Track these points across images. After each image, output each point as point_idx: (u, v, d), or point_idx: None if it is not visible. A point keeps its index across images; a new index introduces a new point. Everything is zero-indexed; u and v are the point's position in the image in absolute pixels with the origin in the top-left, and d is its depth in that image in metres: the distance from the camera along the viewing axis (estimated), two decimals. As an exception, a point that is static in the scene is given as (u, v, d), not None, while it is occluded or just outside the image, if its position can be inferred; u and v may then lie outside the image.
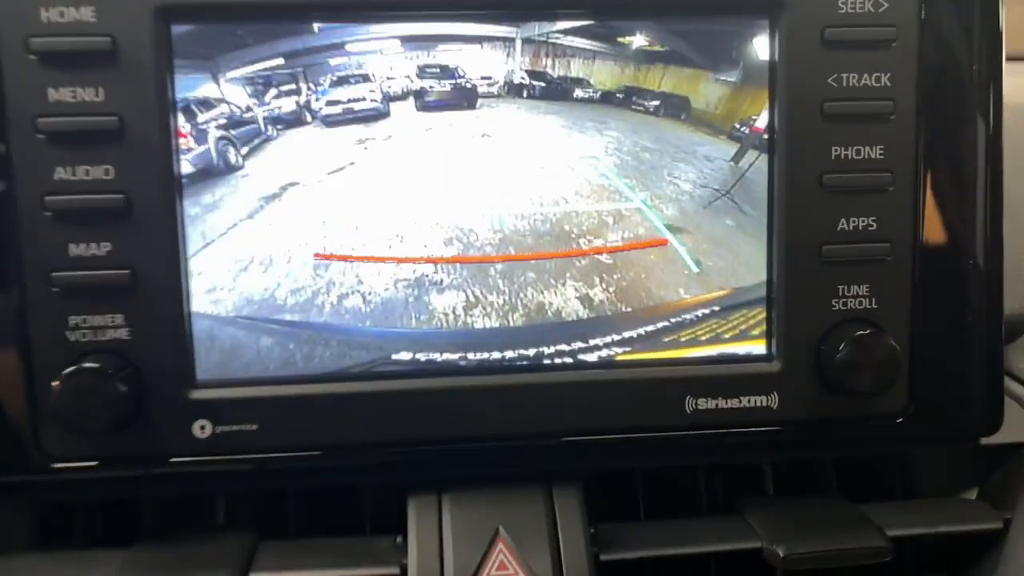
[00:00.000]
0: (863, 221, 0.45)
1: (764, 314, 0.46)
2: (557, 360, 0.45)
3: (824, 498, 0.50)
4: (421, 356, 0.45)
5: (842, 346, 0.44)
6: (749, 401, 0.45)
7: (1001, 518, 0.48)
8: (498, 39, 0.44)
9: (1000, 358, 0.47)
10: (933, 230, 0.45)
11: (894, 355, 0.44)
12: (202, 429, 0.43)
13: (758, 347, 0.46)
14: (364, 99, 0.44)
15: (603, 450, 0.46)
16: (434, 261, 0.44)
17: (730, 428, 0.45)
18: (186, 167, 0.42)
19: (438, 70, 0.44)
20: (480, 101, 0.44)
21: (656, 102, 0.45)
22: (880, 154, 0.44)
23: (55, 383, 0.41)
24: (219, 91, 0.42)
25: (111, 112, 0.41)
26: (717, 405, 0.45)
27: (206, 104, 0.42)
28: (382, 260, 0.44)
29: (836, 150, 0.44)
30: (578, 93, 0.45)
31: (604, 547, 0.44)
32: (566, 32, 0.44)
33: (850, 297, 0.45)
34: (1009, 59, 0.48)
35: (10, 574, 0.44)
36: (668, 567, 0.47)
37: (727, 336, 0.46)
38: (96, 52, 0.41)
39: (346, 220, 0.43)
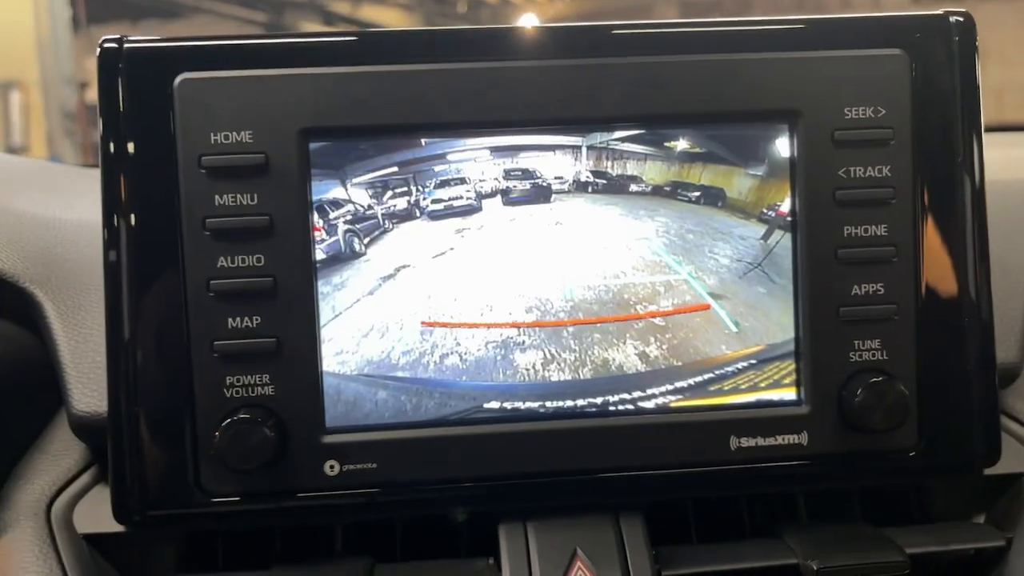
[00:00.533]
0: (873, 287, 0.53)
1: (793, 366, 0.53)
2: (620, 407, 0.53)
3: (851, 523, 0.57)
4: (508, 405, 0.53)
5: (859, 391, 0.51)
6: (783, 439, 0.53)
7: (1004, 537, 0.55)
8: (568, 147, 0.53)
9: (995, 399, 0.54)
10: (932, 292, 0.53)
11: (903, 399, 0.51)
12: (331, 468, 0.51)
13: (789, 394, 0.54)
14: (461, 197, 0.53)
15: (661, 483, 0.53)
16: (517, 326, 0.53)
17: (768, 462, 0.53)
18: (320, 255, 0.51)
19: (520, 172, 0.53)
20: (554, 196, 0.53)
21: (697, 193, 0.54)
22: (884, 231, 0.53)
23: (216, 432, 0.49)
24: (346, 193, 0.52)
25: (263, 212, 0.50)
26: (756, 443, 0.53)
27: (336, 204, 0.52)
28: (476, 326, 0.53)
29: (847, 229, 0.52)
30: (633, 188, 0.54)
31: (665, 565, 0.52)
32: (622, 140, 0.53)
33: (864, 350, 0.53)
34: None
35: None
36: None
37: (763, 385, 0.54)
38: (252, 166, 0.50)
39: (447, 294, 0.52)
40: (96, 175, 0.78)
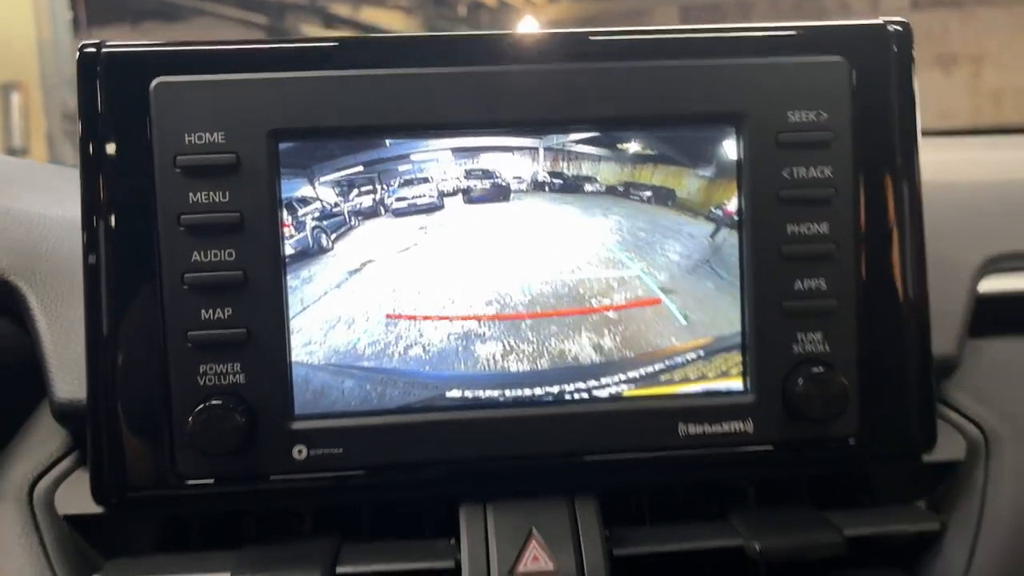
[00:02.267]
0: (815, 282, 0.55)
1: (740, 357, 0.56)
2: (576, 396, 0.56)
3: (797, 507, 0.60)
4: (469, 393, 0.55)
5: (801, 382, 0.54)
6: (730, 427, 0.55)
7: (939, 521, 0.57)
8: (526, 148, 0.55)
9: (932, 389, 0.57)
10: (872, 288, 0.56)
11: (843, 389, 0.54)
12: (299, 453, 0.54)
13: (736, 383, 0.56)
14: (424, 196, 0.55)
15: (614, 468, 0.56)
16: (478, 318, 0.55)
17: (715, 448, 0.55)
18: (289, 250, 0.54)
19: (480, 172, 0.55)
20: (512, 195, 0.55)
21: (649, 193, 0.56)
22: (826, 229, 0.55)
23: (190, 418, 0.52)
24: (314, 191, 0.54)
25: (234, 209, 0.53)
26: (704, 430, 0.55)
27: (304, 201, 0.54)
28: (438, 318, 0.55)
29: (791, 227, 0.55)
30: (588, 187, 0.56)
31: (616, 545, 0.54)
32: (578, 142, 0.55)
33: (807, 343, 0.55)
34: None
35: (144, 570, 0.55)
36: (671, 566, 0.57)
37: (711, 375, 0.56)
38: (224, 165, 0.52)
39: (411, 288, 0.55)
40: (78, 173, 0.81)
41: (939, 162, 0.79)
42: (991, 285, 0.66)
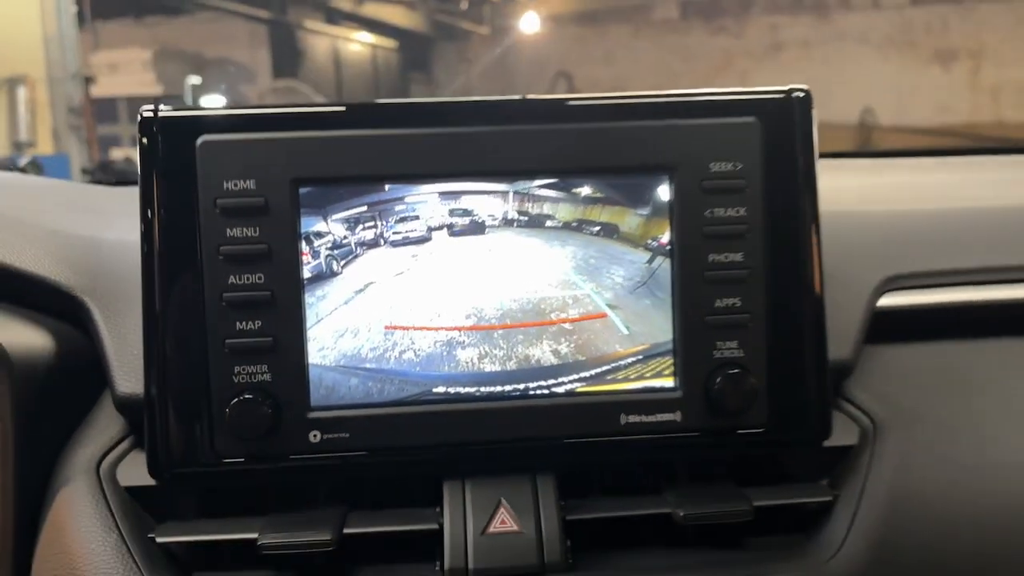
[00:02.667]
0: (732, 300, 0.67)
1: (671, 361, 0.68)
2: (538, 392, 0.66)
3: (719, 483, 0.73)
4: (451, 390, 0.66)
5: (720, 381, 0.66)
6: (662, 417, 0.67)
7: (832, 494, 0.70)
8: (498, 192, 0.67)
9: (827, 387, 0.69)
10: (778, 304, 0.68)
11: (754, 387, 0.66)
12: (314, 437, 0.66)
13: (668, 382, 0.68)
14: (416, 230, 0.67)
15: (568, 450, 0.68)
16: (459, 329, 0.67)
17: (650, 435, 0.68)
18: (307, 274, 0.66)
19: (461, 211, 0.67)
20: (487, 230, 0.67)
21: (598, 228, 0.68)
22: (740, 257, 0.67)
23: (226, 409, 0.65)
24: (327, 227, 0.66)
25: (263, 242, 0.65)
26: (642, 420, 0.67)
27: (319, 235, 0.67)
28: (427, 329, 0.67)
29: (712, 256, 0.67)
30: (548, 223, 0.68)
31: (569, 512, 0.66)
32: (540, 187, 0.67)
33: (725, 349, 0.67)
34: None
35: (188, 531, 0.67)
36: (615, 531, 0.70)
37: (648, 375, 0.68)
38: (255, 207, 0.64)
39: (405, 304, 0.66)
40: (122, 193, 0.95)
41: (847, 188, 0.92)
42: (890, 300, 0.79)
